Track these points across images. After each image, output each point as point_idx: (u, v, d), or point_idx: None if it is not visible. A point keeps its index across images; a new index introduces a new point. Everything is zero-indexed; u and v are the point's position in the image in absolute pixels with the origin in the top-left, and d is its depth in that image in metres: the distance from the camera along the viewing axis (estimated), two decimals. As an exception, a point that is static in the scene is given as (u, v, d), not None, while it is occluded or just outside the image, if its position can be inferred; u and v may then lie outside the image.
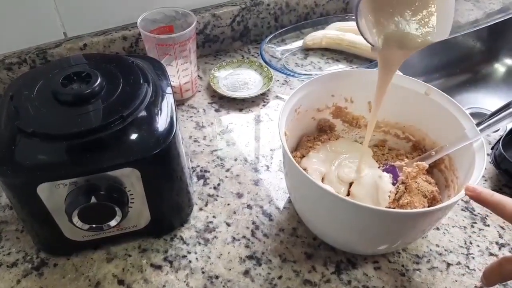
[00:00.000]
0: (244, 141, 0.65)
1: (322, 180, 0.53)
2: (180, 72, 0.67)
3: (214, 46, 0.81)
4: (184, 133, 0.66)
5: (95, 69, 0.46)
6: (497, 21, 0.61)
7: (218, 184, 0.59)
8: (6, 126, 0.43)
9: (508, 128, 0.59)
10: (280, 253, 0.51)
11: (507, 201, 0.38)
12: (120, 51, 0.72)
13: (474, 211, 0.55)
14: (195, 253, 0.51)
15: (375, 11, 0.40)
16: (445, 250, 0.51)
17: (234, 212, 0.55)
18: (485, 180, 0.59)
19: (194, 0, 0.76)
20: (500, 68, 1.00)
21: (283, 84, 0.76)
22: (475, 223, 0.54)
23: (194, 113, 0.70)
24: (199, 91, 0.74)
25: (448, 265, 0.50)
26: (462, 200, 0.54)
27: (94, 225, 0.44)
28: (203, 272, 0.49)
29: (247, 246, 0.51)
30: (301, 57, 0.81)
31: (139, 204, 0.46)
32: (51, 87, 0.44)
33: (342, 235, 0.48)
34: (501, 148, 0.56)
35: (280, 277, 0.48)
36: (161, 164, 0.45)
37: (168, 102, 0.48)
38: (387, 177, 0.50)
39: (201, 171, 0.60)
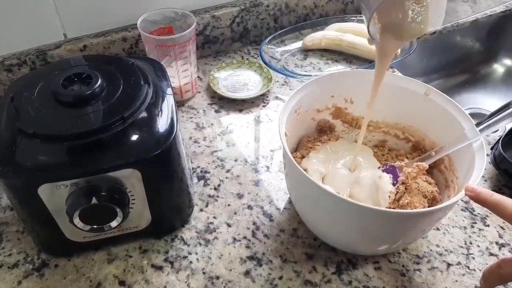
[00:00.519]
0: (244, 142, 0.65)
1: (322, 180, 0.53)
2: (180, 73, 0.67)
3: (214, 47, 0.81)
4: (184, 134, 0.66)
5: (96, 70, 0.46)
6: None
7: (219, 185, 0.59)
8: (6, 128, 0.43)
9: (508, 129, 0.59)
10: (281, 253, 0.51)
11: (506, 201, 0.38)
12: (120, 52, 0.72)
13: (474, 211, 0.56)
14: (196, 253, 0.51)
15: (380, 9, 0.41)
16: (445, 250, 0.51)
17: (235, 213, 0.55)
18: (485, 180, 0.59)
19: (194, 1, 0.76)
20: (499, 68, 1.01)
21: (282, 85, 0.76)
22: (475, 223, 0.54)
23: (194, 114, 0.70)
24: (199, 92, 0.74)
25: (448, 265, 0.50)
26: (462, 200, 0.54)
27: (95, 226, 0.44)
28: (204, 273, 0.49)
29: (247, 247, 0.51)
30: (301, 58, 0.81)
31: (140, 205, 0.47)
32: (51, 88, 0.44)
33: (343, 236, 0.48)
34: (501, 148, 0.57)
35: (280, 278, 0.49)
36: (162, 165, 0.45)
37: (168, 103, 0.48)
38: (387, 178, 0.50)
39: (201, 172, 0.60)
